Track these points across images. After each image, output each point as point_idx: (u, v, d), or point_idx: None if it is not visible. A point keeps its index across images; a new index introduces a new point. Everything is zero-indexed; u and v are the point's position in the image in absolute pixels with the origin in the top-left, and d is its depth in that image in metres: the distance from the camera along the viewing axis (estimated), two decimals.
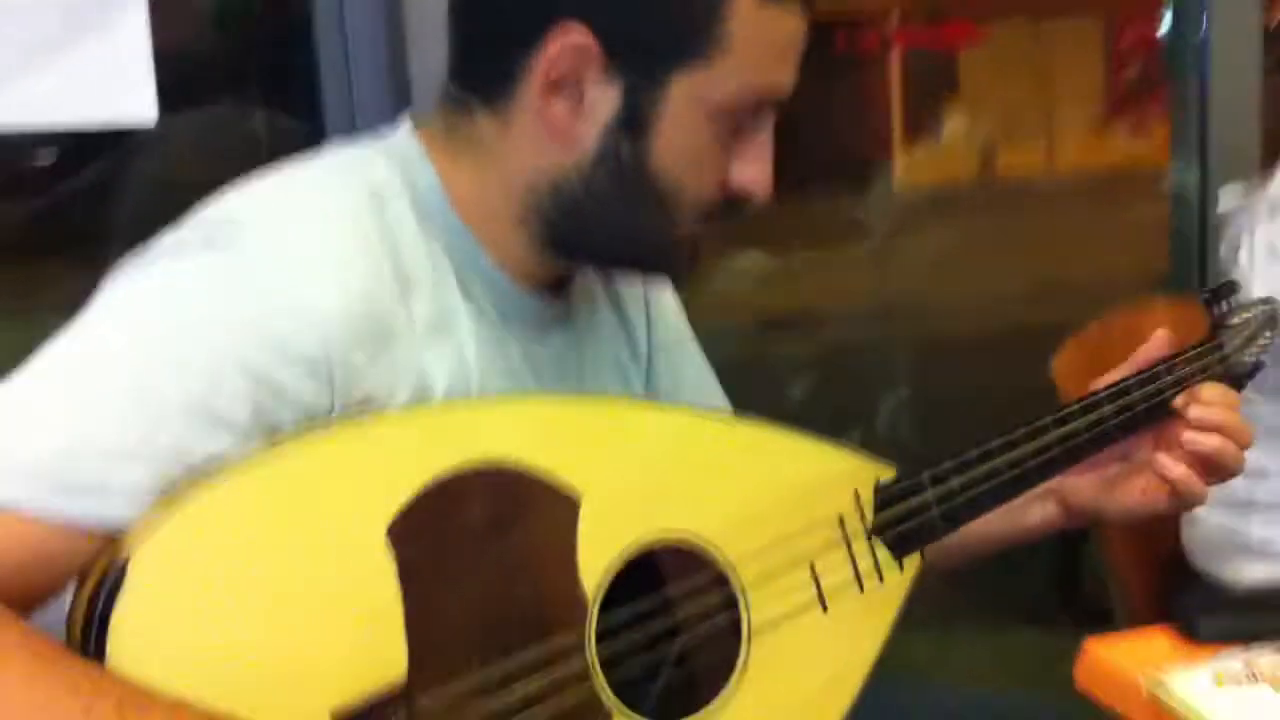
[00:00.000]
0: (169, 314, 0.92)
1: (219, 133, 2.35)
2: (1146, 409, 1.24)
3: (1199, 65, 2.32)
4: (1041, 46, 5.49)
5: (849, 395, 3.72)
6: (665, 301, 1.31)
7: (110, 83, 1.54)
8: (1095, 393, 1.25)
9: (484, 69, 1.05)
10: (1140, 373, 1.26)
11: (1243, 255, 1.71)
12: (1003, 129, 5.45)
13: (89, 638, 0.84)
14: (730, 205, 1.08)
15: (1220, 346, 1.31)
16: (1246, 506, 1.74)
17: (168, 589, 0.86)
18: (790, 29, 1.04)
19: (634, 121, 1.02)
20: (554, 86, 1.01)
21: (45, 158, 2.46)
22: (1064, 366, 1.81)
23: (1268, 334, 1.35)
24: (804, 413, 3.60)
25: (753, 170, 1.07)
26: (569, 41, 0.99)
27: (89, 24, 1.53)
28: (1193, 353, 1.29)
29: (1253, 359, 1.33)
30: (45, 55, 1.51)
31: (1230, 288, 1.34)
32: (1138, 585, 1.81)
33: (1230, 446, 1.21)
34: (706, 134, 1.03)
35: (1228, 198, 1.79)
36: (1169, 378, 1.27)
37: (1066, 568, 2.42)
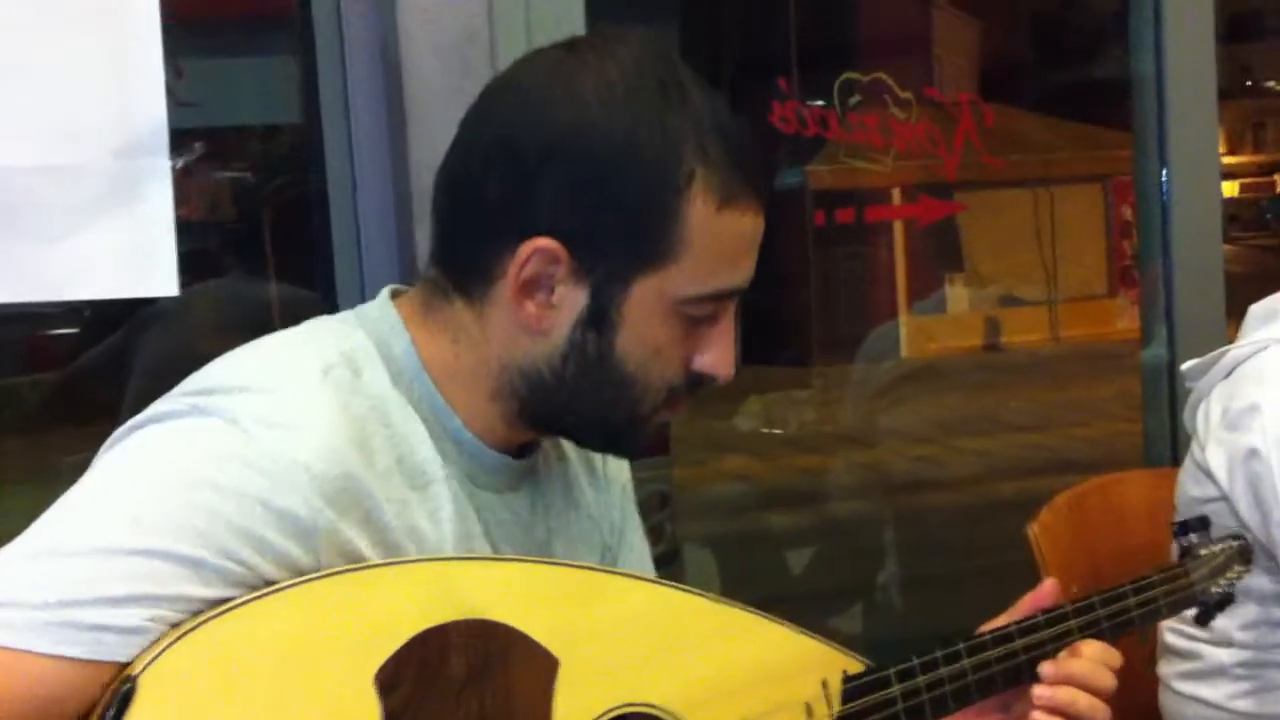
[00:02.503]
0: (157, 476, 1.00)
1: (232, 304, 2.42)
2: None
3: (1164, 238, 2.40)
4: (1043, 217, 5.59)
5: (847, 568, 3.72)
6: (623, 468, 1.37)
7: (134, 256, 1.60)
8: (1012, 626, 1.25)
9: (461, 263, 1.13)
10: (1046, 614, 1.26)
11: (1200, 418, 1.76)
12: (1006, 300, 5.51)
13: None
14: (693, 386, 1.15)
15: (1186, 574, 1.35)
16: (1217, 674, 1.75)
17: (172, 708, 0.92)
18: (745, 228, 1.11)
19: (600, 318, 1.10)
20: (526, 287, 1.09)
21: (65, 330, 2.55)
22: (1042, 532, 1.84)
23: (1237, 568, 1.39)
24: (802, 584, 3.63)
25: (714, 356, 1.14)
26: (540, 247, 1.07)
27: (114, 199, 1.59)
28: (1160, 577, 1.33)
29: (1221, 591, 1.37)
30: (71, 229, 1.58)
31: (1201, 522, 1.39)
32: None
33: (1085, 699, 1.20)
34: (669, 327, 1.11)
35: (1190, 363, 1.84)
36: (1133, 599, 1.30)
37: None
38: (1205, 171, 2.38)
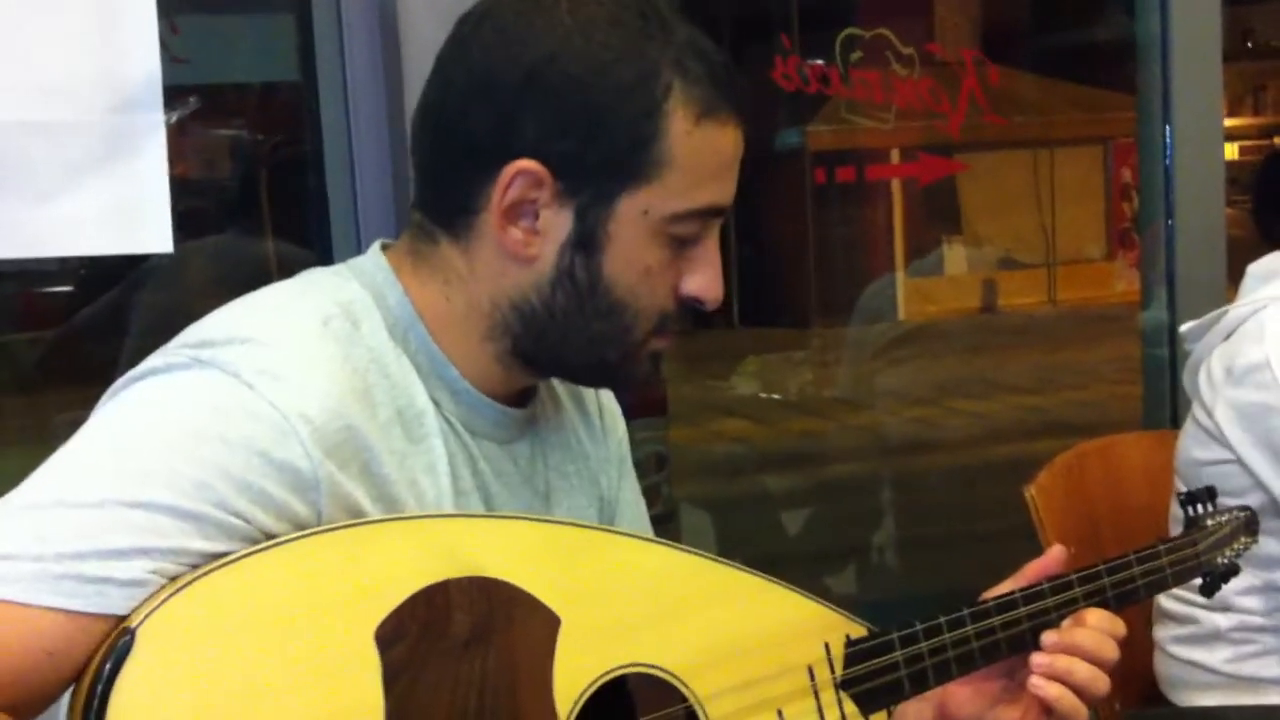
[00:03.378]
0: (158, 428, 0.99)
1: (229, 260, 2.42)
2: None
3: (1165, 202, 2.40)
4: (1043, 179, 5.58)
5: (843, 529, 3.73)
6: (616, 412, 1.36)
7: (129, 213, 1.59)
8: (1012, 594, 1.24)
9: (445, 201, 1.12)
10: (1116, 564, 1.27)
11: (1201, 380, 1.76)
12: (1003, 262, 5.51)
13: (94, 693, 0.89)
14: (684, 312, 1.14)
15: (1193, 544, 1.34)
16: (1213, 639, 1.75)
17: (170, 660, 0.91)
18: (726, 143, 1.10)
19: (587, 240, 1.09)
20: (510, 212, 1.08)
21: (61, 288, 2.54)
22: (1040, 493, 1.84)
23: (1243, 539, 1.38)
24: (797, 547, 3.64)
25: (702, 278, 1.13)
26: (522, 170, 1.07)
27: (108, 155, 1.58)
28: (1166, 547, 1.32)
29: (1226, 562, 1.36)
30: (64, 185, 1.56)
31: (1208, 492, 1.38)
32: (1113, 716, 1.83)
33: (1084, 668, 1.19)
34: (655, 247, 1.10)
35: (1188, 325, 1.83)
36: (1138, 569, 1.28)
37: None
38: (1209, 133, 2.37)
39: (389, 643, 0.96)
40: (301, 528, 0.99)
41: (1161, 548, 1.31)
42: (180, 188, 2.44)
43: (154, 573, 0.93)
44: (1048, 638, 1.20)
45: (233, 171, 2.62)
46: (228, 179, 2.62)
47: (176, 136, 2.39)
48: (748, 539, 3.60)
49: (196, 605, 0.92)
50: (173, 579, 0.93)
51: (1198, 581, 1.37)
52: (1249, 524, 1.37)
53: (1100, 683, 1.19)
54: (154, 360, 1.04)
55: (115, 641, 0.90)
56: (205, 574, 0.93)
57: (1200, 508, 1.37)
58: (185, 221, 2.37)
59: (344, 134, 1.87)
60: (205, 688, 0.90)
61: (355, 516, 1.02)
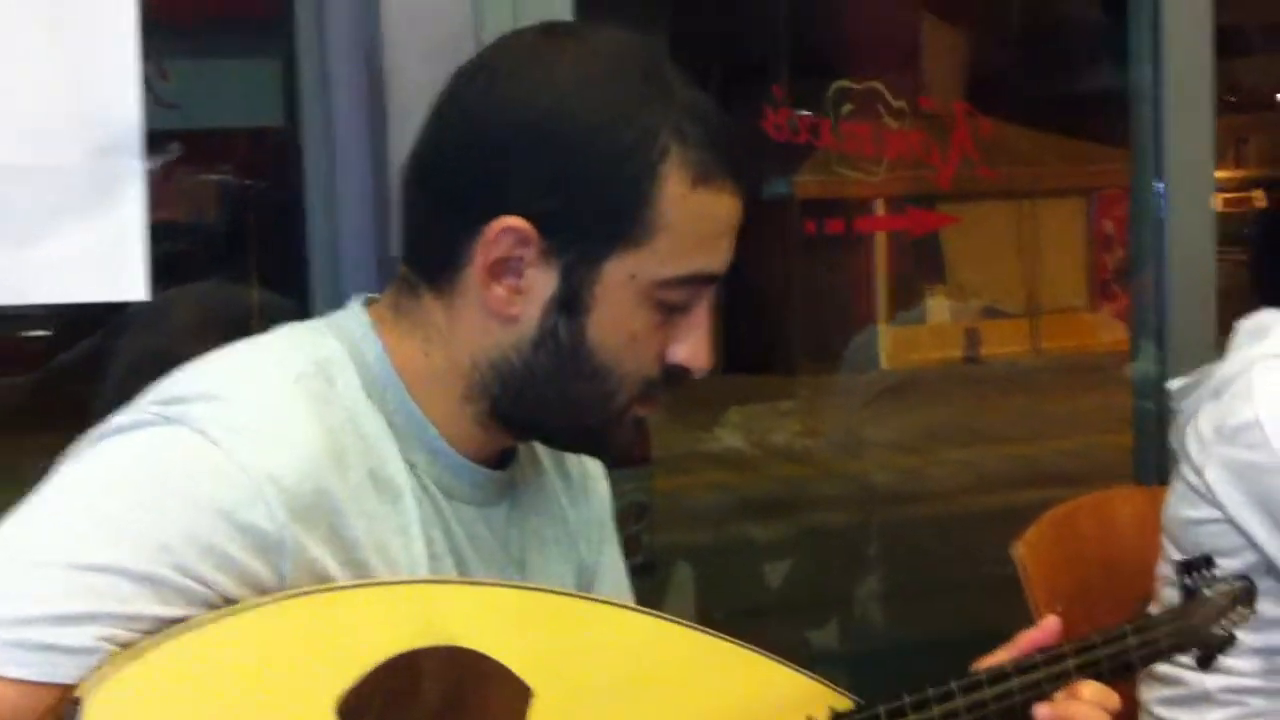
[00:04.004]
0: (120, 489, 0.96)
1: (213, 308, 2.40)
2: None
3: (1157, 252, 2.39)
4: (1026, 230, 5.60)
5: (828, 579, 3.70)
6: (599, 474, 1.34)
7: (104, 259, 1.57)
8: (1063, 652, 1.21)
9: (429, 254, 1.10)
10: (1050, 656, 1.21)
11: (1190, 439, 1.74)
12: (986, 312, 5.52)
13: None
14: (670, 379, 1.12)
15: (1188, 615, 1.31)
16: (1201, 700, 1.72)
17: None
18: (722, 211, 1.08)
19: (572, 302, 1.06)
20: (494, 269, 1.06)
21: (40, 332, 2.52)
22: (1028, 550, 1.82)
23: (1241, 609, 1.35)
24: (781, 598, 3.61)
25: (690, 347, 1.10)
26: (508, 226, 1.04)
27: (86, 201, 1.56)
28: (1161, 618, 1.30)
29: (1224, 633, 1.33)
30: (40, 231, 1.54)
31: (1206, 561, 1.35)
32: None
33: None
34: (642, 312, 1.07)
35: (1177, 383, 1.82)
36: (1133, 639, 1.25)
37: None
38: (1200, 184, 2.37)
39: (352, 715, 0.92)
40: (262, 592, 0.96)
41: (1158, 619, 1.29)
42: (166, 233, 2.42)
43: (105, 639, 0.90)
44: (1041, 711, 1.16)
45: (219, 217, 2.61)
46: (215, 224, 2.60)
47: (162, 181, 2.38)
48: (730, 589, 3.57)
49: (149, 674, 0.89)
50: (126, 646, 0.90)
51: (1194, 653, 1.34)
52: (1246, 595, 1.35)
53: None
54: (121, 418, 1.01)
55: (61, 712, 0.87)
56: (160, 641, 0.90)
57: (1197, 576, 1.34)
58: (170, 267, 2.36)
59: (328, 180, 1.85)
60: None
61: (320, 581, 0.99)
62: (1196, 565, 1.34)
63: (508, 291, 1.07)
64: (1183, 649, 1.31)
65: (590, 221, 1.05)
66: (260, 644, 0.92)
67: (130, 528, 0.93)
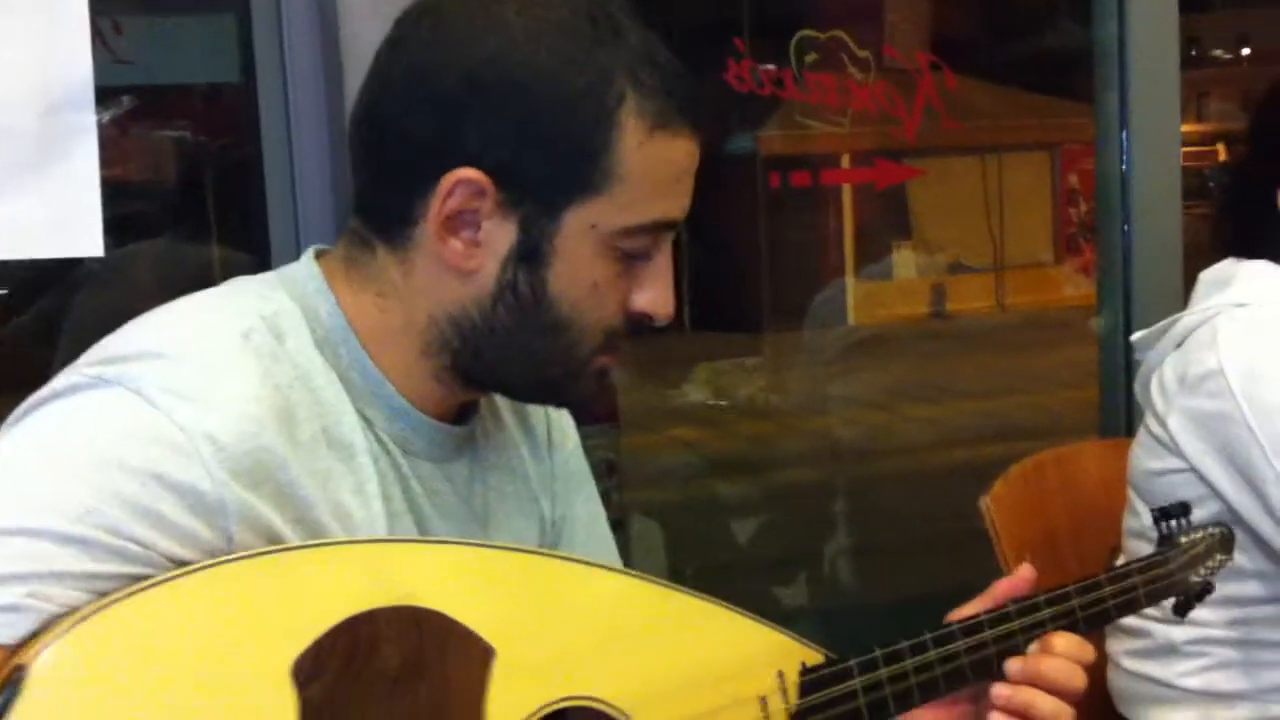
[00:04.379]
0: (51, 455, 0.94)
1: (171, 265, 2.37)
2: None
3: (1123, 207, 2.39)
4: (991, 185, 5.60)
5: (796, 535, 3.71)
6: (567, 426, 1.31)
7: (59, 215, 1.54)
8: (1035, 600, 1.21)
9: (382, 209, 1.07)
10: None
11: (1153, 389, 1.73)
12: (952, 267, 5.52)
13: None
14: (633, 328, 1.10)
15: (1165, 563, 1.29)
16: (1167, 652, 1.72)
17: (63, 699, 0.85)
18: (680, 155, 1.06)
19: (531, 253, 1.04)
20: (450, 223, 1.03)
21: None
22: (996, 504, 1.81)
23: (1219, 556, 1.33)
24: (749, 554, 3.61)
25: (652, 294, 1.08)
26: (462, 179, 1.02)
27: (38, 157, 1.53)
28: (1139, 566, 1.28)
29: (1201, 580, 1.32)
30: None
31: (1182, 508, 1.33)
32: None
33: (1048, 702, 1.14)
34: (603, 262, 1.05)
35: (1140, 334, 1.81)
36: (1109, 589, 1.23)
37: None
38: (1166, 138, 2.37)
39: (307, 679, 0.90)
40: (211, 553, 0.93)
41: (1134, 567, 1.27)
42: (124, 191, 2.38)
43: (33, 595, 0.87)
44: (1012, 666, 1.15)
45: (178, 175, 2.58)
46: (173, 182, 2.57)
47: (120, 139, 2.34)
48: (699, 546, 3.57)
49: (96, 638, 0.86)
50: (74, 610, 0.88)
51: (1170, 601, 1.33)
52: (1224, 542, 1.34)
53: (1063, 715, 1.14)
54: (58, 381, 0.99)
55: (5, 678, 0.84)
56: (108, 604, 0.87)
57: (1174, 524, 1.33)
58: (129, 225, 2.33)
59: (284, 136, 1.83)
60: None
61: (273, 542, 0.96)
62: (1173, 513, 1.32)
63: (465, 245, 1.04)
64: (1160, 597, 1.30)
65: (547, 171, 1.02)
66: (210, 607, 0.90)
67: (56, 492, 0.91)
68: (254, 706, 0.89)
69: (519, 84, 1.01)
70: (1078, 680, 1.15)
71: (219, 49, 2.21)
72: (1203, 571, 1.32)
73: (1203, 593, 1.32)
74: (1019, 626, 1.18)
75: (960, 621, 1.17)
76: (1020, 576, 1.21)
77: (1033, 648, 1.17)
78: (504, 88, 1.01)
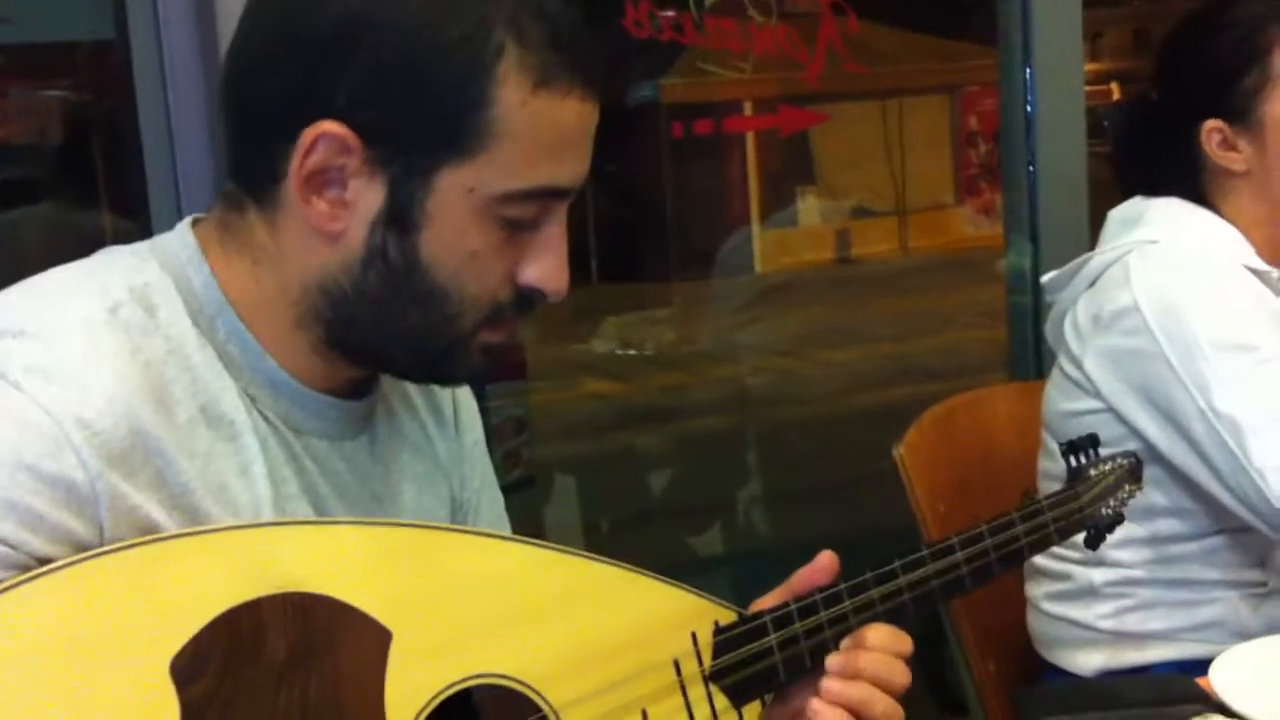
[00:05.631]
0: None
1: (59, 232, 2.29)
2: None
3: (1027, 148, 2.39)
4: (892, 128, 5.62)
5: (708, 485, 3.70)
6: (468, 401, 1.26)
7: None
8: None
9: (250, 167, 1.02)
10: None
11: (1067, 329, 1.73)
12: (856, 212, 5.54)
13: None
14: (522, 303, 1.04)
15: (1076, 497, 1.28)
16: (1088, 595, 1.73)
17: None
18: (569, 117, 0.99)
19: (401, 217, 0.98)
20: (312, 181, 0.97)
21: None
22: (908, 451, 1.80)
23: (1128, 487, 1.32)
24: (664, 505, 3.61)
25: (542, 266, 1.02)
26: (325, 133, 0.96)
27: None
28: (1050, 501, 1.25)
29: (1111, 512, 1.31)
30: None
31: (1090, 440, 1.32)
32: (989, 679, 1.80)
33: (878, 697, 1.08)
34: (483, 229, 0.99)
35: (1050, 275, 1.81)
36: (1021, 527, 1.20)
37: (930, 657, 2.41)
38: (1069, 75, 2.38)
39: (187, 677, 0.85)
40: (81, 549, 0.87)
41: (1045, 502, 1.24)
42: (4, 154, 2.29)
43: None
44: (833, 662, 1.09)
45: (63, 137, 2.49)
46: (58, 145, 2.48)
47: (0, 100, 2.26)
48: (613, 498, 3.56)
49: None
50: None
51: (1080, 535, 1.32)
52: (1133, 471, 1.33)
53: (895, 715, 1.09)
54: None
55: None
56: None
57: (1083, 457, 1.32)
58: (11, 190, 2.24)
59: (160, 93, 1.76)
60: None
61: (147, 532, 0.90)
62: (1081, 445, 1.31)
63: (330, 206, 0.98)
64: (1072, 531, 1.28)
65: (417, 127, 0.96)
66: (78, 605, 0.84)
67: None
68: (132, 710, 0.84)
69: (386, 32, 0.95)
70: (899, 676, 1.10)
71: (92, 4, 2.13)
72: (1113, 503, 1.31)
73: (1114, 524, 1.32)
74: (933, 571, 1.14)
75: (874, 568, 1.13)
76: (818, 566, 1.14)
77: (846, 643, 1.11)
78: (369, 37, 0.95)
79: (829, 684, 1.08)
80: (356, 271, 0.99)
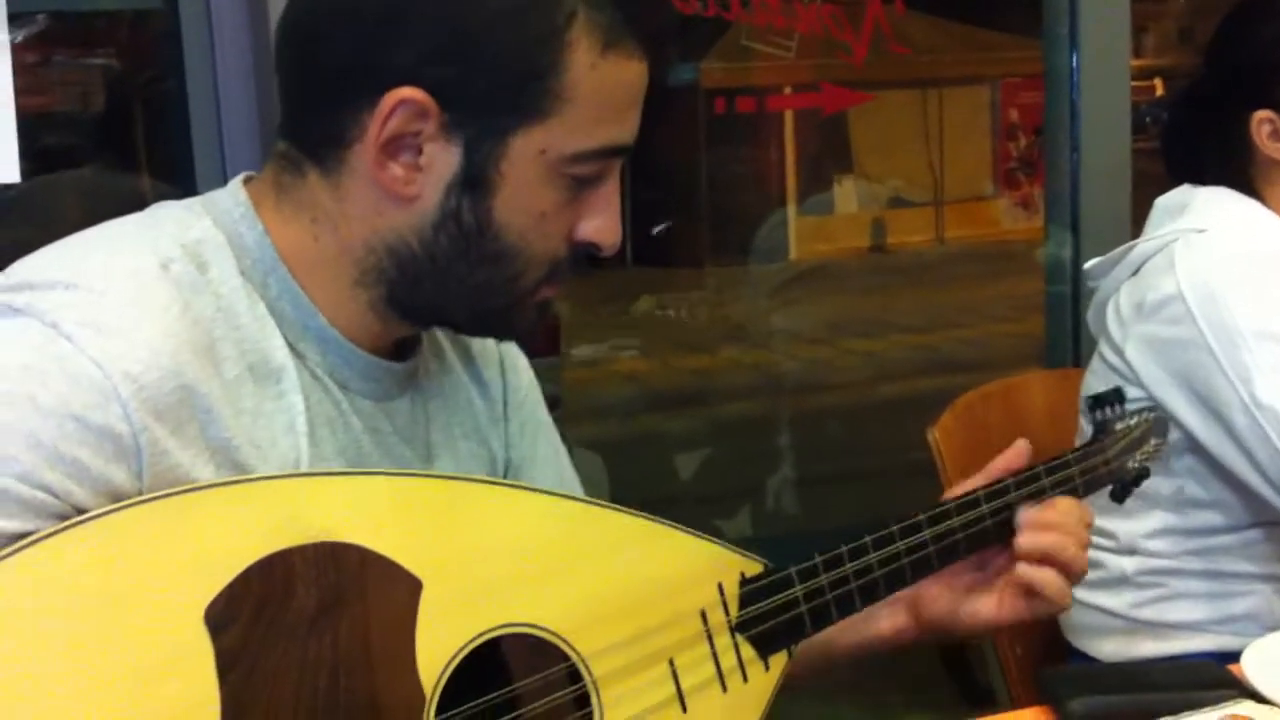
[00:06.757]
0: None
1: (98, 195, 2.30)
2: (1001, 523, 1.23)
3: (1071, 137, 2.37)
4: (932, 118, 5.59)
5: (738, 470, 3.70)
6: (521, 365, 1.28)
7: None
8: (973, 493, 1.23)
9: (313, 130, 1.02)
10: (1018, 479, 1.25)
11: (1109, 317, 1.72)
12: (893, 201, 5.52)
13: None
14: (578, 259, 1.06)
15: (1102, 451, 1.28)
16: (1119, 583, 1.72)
17: None
18: (630, 78, 1.02)
19: (476, 180, 0.99)
20: (390, 146, 0.98)
21: None
22: (943, 435, 1.80)
23: (1154, 441, 1.32)
24: (693, 489, 3.61)
25: (600, 222, 1.04)
26: (405, 99, 0.96)
27: None
28: (1074, 456, 1.27)
29: (1137, 466, 1.31)
30: None
31: (1115, 394, 1.31)
32: (1016, 664, 1.79)
33: (1072, 544, 1.20)
34: (552, 189, 1.01)
35: (1093, 261, 1.79)
36: (1046, 480, 1.25)
37: (955, 645, 2.41)
38: (1115, 66, 2.35)
39: (221, 625, 0.85)
40: (122, 499, 0.87)
41: (1070, 456, 1.27)
42: (48, 121, 2.31)
43: None
44: (1025, 515, 1.19)
45: (105, 104, 2.50)
46: (100, 112, 2.50)
47: (42, 67, 2.27)
48: (642, 480, 3.56)
49: None
50: None
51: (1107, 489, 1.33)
52: (1159, 425, 1.32)
53: (1081, 562, 1.20)
54: None
55: None
56: (2, 560, 0.81)
57: (1109, 410, 1.31)
58: (53, 155, 2.25)
59: (208, 61, 1.77)
60: (6, 690, 0.79)
61: (187, 484, 0.91)
62: (1107, 399, 1.31)
63: (405, 170, 0.99)
64: (1099, 485, 1.30)
65: (495, 91, 0.97)
66: (113, 556, 0.84)
67: None
68: (169, 659, 0.84)
69: None
70: (1084, 534, 1.21)
71: None
72: (1139, 457, 1.32)
73: (1140, 478, 1.33)
74: (959, 523, 1.20)
75: (899, 520, 1.18)
76: (1016, 450, 1.25)
77: (1033, 508, 1.21)
78: (444, 2, 0.96)
79: (1023, 537, 1.19)
80: (428, 234, 1.00)
